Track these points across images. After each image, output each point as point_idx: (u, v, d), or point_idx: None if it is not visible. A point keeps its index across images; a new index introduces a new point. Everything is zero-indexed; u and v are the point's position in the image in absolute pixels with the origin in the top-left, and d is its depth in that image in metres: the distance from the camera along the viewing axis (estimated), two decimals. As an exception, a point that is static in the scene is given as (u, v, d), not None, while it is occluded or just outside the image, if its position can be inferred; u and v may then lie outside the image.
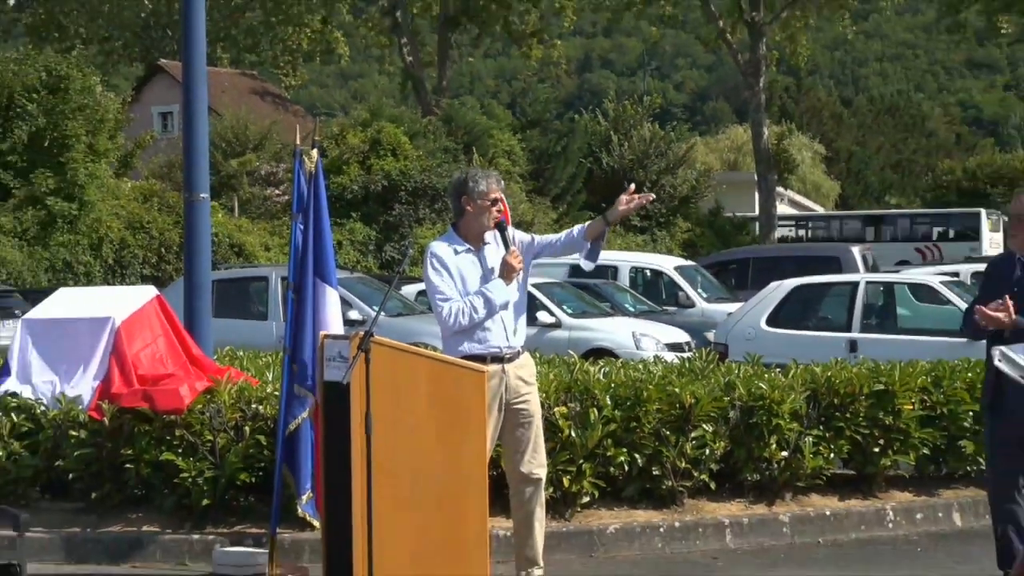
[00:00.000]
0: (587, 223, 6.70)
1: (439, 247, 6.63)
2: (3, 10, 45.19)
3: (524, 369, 6.53)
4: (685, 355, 12.73)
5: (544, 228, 31.33)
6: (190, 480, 7.54)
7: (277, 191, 32.94)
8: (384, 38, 46.51)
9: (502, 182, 6.89)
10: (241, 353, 9.97)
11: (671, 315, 18.38)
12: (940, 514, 8.39)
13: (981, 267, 14.68)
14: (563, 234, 6.85)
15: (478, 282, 6.45)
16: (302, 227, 7.14)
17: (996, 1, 41.15)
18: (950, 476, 8.75)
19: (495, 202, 6.54)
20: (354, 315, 14.35)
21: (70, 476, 7.86)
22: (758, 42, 41.03)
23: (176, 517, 7.67)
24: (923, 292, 13.81)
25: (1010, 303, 6.10)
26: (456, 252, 6.54)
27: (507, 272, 6.42)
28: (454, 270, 6.46)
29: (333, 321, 6.96)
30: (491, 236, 6.57)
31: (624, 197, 6.44)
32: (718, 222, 43.22)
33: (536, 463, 6.50)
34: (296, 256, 7.13)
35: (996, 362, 3.49)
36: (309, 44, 45.14)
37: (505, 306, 6.44)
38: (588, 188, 40.33)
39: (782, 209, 45.86)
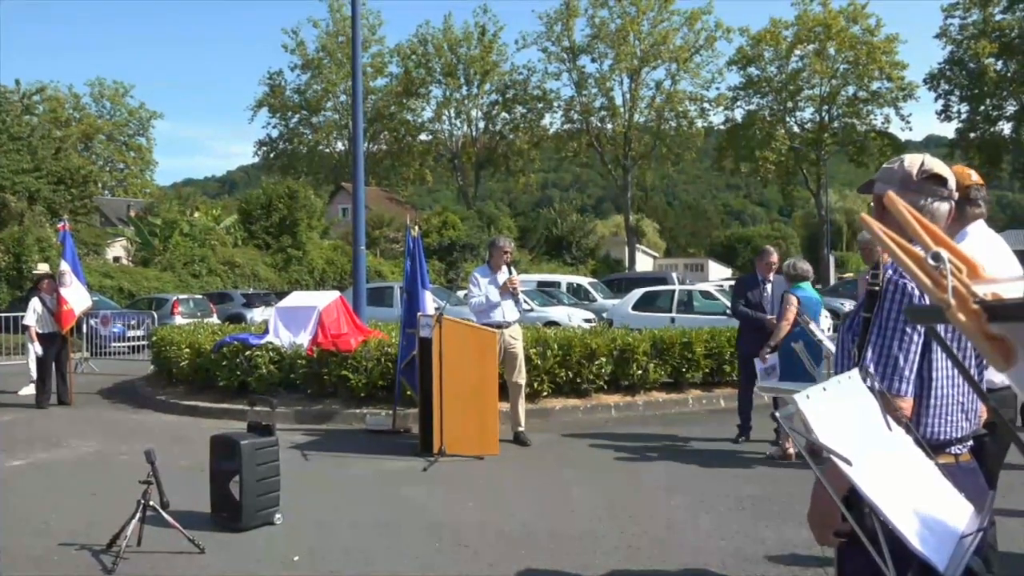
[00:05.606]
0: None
1: (478, 271, 6.65)
2: (268, 156, 45.51)
3: (514, 331, 6.51)
4: (592, 325, 12.71)
5: (525, 264, 31.42)
6: (354, 383, 7.57)
7: (398, 245, 32.91)
8: (448, 172, 46.95)
9: (512, 242, 6.92)
10: (379, 323, 9.95)
11: (585, 305, 18.31)
12: (723, 402, 8.19)
13: (731, 281, 14.70)
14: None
15: (493, 290, 6.42)
16: (410, 262, 7.14)
17: (743, 151, 39.96)
18: (729, 383, 8.33)
19: (507, 252, 6.54)
20: (435, 305, 14.30)
21: (297, 382, 7.88)
22: (627, 173, 40.99)
23: (348, 401, 7.66)
24: (706, 294, 13.81)
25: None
26: (485, 274, 6.54)
27: (507, 286, 6.40)
28: (483, 284, 6.46)
29: (427, 307, 6.94)
30: (503, 268, 6.53)
31: (509, 280, 6.36)
32: (607, 260, 43.72)
33: (519, 376, 6.49)
34: (407, 276, 7.14)
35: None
36: (413, 175, 45.29)
37: (500, 303, 6.40)
38: (546, 243, 40.69)
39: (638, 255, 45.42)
